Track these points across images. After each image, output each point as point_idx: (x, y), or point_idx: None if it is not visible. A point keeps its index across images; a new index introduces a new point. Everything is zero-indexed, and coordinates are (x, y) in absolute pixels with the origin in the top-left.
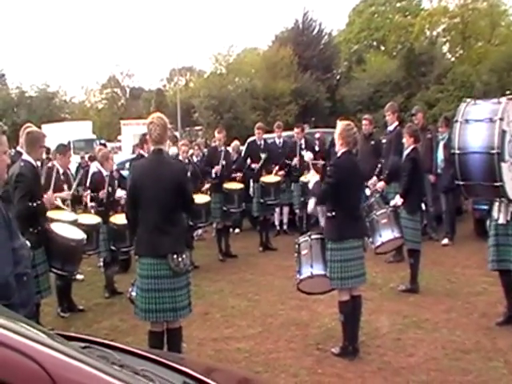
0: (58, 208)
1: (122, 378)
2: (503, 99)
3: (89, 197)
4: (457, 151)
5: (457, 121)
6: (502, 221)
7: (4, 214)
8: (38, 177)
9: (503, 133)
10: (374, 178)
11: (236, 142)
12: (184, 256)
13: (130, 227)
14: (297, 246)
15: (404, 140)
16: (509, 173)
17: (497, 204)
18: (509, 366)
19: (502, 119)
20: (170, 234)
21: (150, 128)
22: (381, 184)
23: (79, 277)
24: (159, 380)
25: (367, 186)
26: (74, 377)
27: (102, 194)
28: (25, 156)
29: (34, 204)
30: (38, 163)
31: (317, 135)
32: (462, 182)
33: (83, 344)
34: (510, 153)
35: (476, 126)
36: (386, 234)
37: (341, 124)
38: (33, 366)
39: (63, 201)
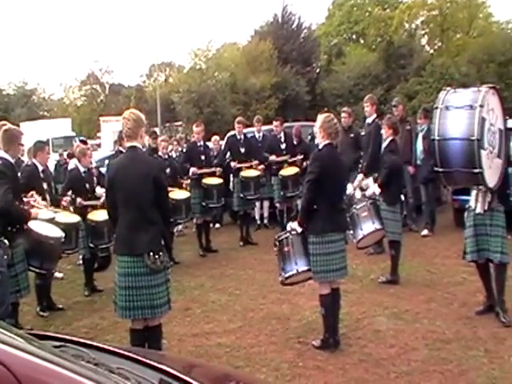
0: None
1: (93, 378)
2: (483, 87)
3: (68, 200)
4: (436, 138)
5: (437, 107)
6: (479, 210)
7: None
8: (16, 174)
9: (483, 120)
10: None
11: (216, 137)
12: (161, 253)
13: (112, 225)
14: (277, 243)
15: (383, 132)
16: (487, 160)
17: (474, 193)
18: (489, 354)
19: (482, 106)
20: (147, 233)
21: (122, 123)
22: (359, 177)
23: (59, 275)
24: (135, 378)
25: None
26: (42, 378)
27: (80, 203)
28: (2, 153)
29: (21, 206)
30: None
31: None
32: (441, 169)
33: (58, 343)
34: (489, 141)
35: (456, 112)
36: (367, 227)
37: (321, 116)
38: None
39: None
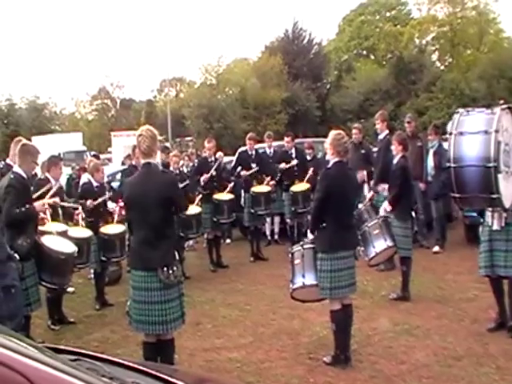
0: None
1: None
2: (497, 109)
3: (80, 215)
4: (452, 164)
5: (451, 133)
6: (496, 227)
7: None
8: (28, 189)
9: (498, 144)
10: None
11: (220, 153)
12: (174, 268)
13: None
14: (290, 255)
15: (393, 147)
16: (503, 181)
17: (490, 210)
18: (500, 371)
19: (497, 131)
20: (160, 248)
21: (139, 140)
22: (369, 195)
23: (70, 289)
24: None
25: (360, 202)
26: None
27: (90, 203)
28: (16, 168)
29: (22, 209)
30: None
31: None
32: (457, 195)
33: (73, 357)
34: (505, 162)
35: (471, 138)
36: (379, 244)
37: (331, 133)
38: (19, 379)
39: (54, 210)
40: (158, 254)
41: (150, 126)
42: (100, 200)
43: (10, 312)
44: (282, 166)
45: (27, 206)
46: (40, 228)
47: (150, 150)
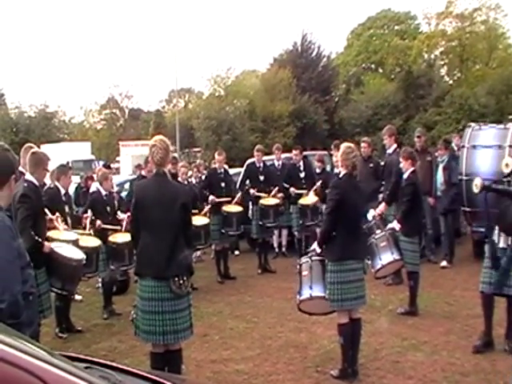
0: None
1: None
2: (510, 124)
3: (88, 219)
4: (464, 177)
5: (463, 146)
6: (502, 245)
7: (14, 234)
8: (41, 198)
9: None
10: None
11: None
12: (185, 278)
13: (134, 245)
14: (298, 267)
15: (401, 165)
16: None
17: (497, 228)
18: None
19: (511, 146)
20: (173, 257)
21: (152, 151)
22: (382, 206)
23: (78, 297)
24: None
25: (368, 211)
26: None
27: (99, 226)
28: (28, 176)
29: (36, 237)
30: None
31: None
32: (467, 209)
33: (84, 364)
34: None
35: (484, 152)
36: (386, 257)
37: (342, 146)
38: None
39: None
40: (171, 263)
41: (164, 137)
42: (110, 227)
43: (28, 319)
44: (293, 189)
45: (40, 239)
46: (51, 235)
47: (163, 161)
